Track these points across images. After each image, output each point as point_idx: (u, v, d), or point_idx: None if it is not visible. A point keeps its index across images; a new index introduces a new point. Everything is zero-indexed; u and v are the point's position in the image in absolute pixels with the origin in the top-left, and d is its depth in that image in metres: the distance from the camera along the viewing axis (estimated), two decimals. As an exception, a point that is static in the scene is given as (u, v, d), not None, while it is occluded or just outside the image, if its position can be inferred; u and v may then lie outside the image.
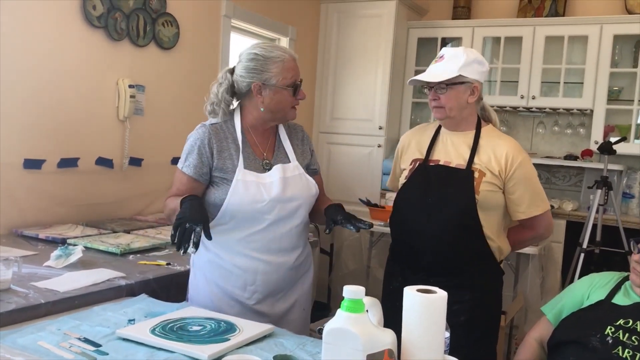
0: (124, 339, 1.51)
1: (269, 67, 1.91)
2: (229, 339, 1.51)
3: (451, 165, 2.03)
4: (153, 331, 1.54)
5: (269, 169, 1.96)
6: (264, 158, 1.98)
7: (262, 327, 1.63)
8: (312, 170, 2.08)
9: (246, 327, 1.62)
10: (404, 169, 2.16)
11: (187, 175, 1.92)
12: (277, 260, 1.95)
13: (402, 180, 2.14)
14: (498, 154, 2.01)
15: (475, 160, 2.01)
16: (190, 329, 1.57)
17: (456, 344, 1.60)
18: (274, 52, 1.93)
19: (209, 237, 1.72)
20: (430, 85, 2.03)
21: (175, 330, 1.56)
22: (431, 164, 2.08)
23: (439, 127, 2.14)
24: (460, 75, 1.97)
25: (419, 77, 2.03)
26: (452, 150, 2.06)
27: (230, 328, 1.60)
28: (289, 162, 2.00)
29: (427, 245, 2.02)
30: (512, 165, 2.00)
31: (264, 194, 1.90)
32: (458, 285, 1.96)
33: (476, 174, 1.99)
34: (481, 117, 2.11)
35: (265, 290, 1.96)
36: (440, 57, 2.04)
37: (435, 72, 2.01)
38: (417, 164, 2.10)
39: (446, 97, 2.00)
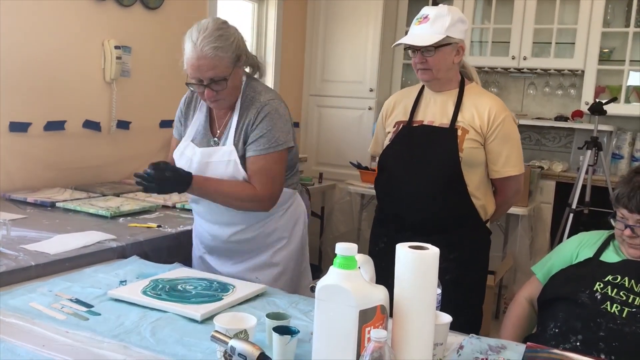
0: (116, 300, 1.52)
1: (183, 53, 1.80)
2: (222, 298, 1.52)
3: (435, 124, 2.02)
4: (145, 292, 1.54)
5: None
6: (216, 135, 1.93)
7: (255, 287, 1.64)
8: (250, 152, 1.86)
9: (239, 286, 1.62)
10: (389, 132, 2.14)
11: (174, 138, 2.05)
12: (212, 230, 2.00)
13: (387, 142, 2.12)
14: (481, 111, 1.99)
15: (459, 118, 2.00)
16: (182, 289, 1.58)
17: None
18: (186, 41, 1.78)
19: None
20: (417, 48, 1.98)
21: (167, 291, 1.56)
22: (415, 124, 2.06)
23: (422, 89, 2.11)
24: (447, 36, 1.94)
25: (406, 40, 1.98)
26: (436, 110, 2.04)
27: (224, 288, 1.60)
28: (226, 145, 1.89)
29: (412, 205, 2.02)
30: (494, 121, 1.98)
31: None
32: (443, 244, 1.96)
33: (459, 132, 1.98)
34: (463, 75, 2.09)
35: (212, 252, 2.05)
36: (424, 17, 1.97)
37: (423, 35, 1.95)
38: (400, 126, 2.09)
39: (434, 59, 1.96)
